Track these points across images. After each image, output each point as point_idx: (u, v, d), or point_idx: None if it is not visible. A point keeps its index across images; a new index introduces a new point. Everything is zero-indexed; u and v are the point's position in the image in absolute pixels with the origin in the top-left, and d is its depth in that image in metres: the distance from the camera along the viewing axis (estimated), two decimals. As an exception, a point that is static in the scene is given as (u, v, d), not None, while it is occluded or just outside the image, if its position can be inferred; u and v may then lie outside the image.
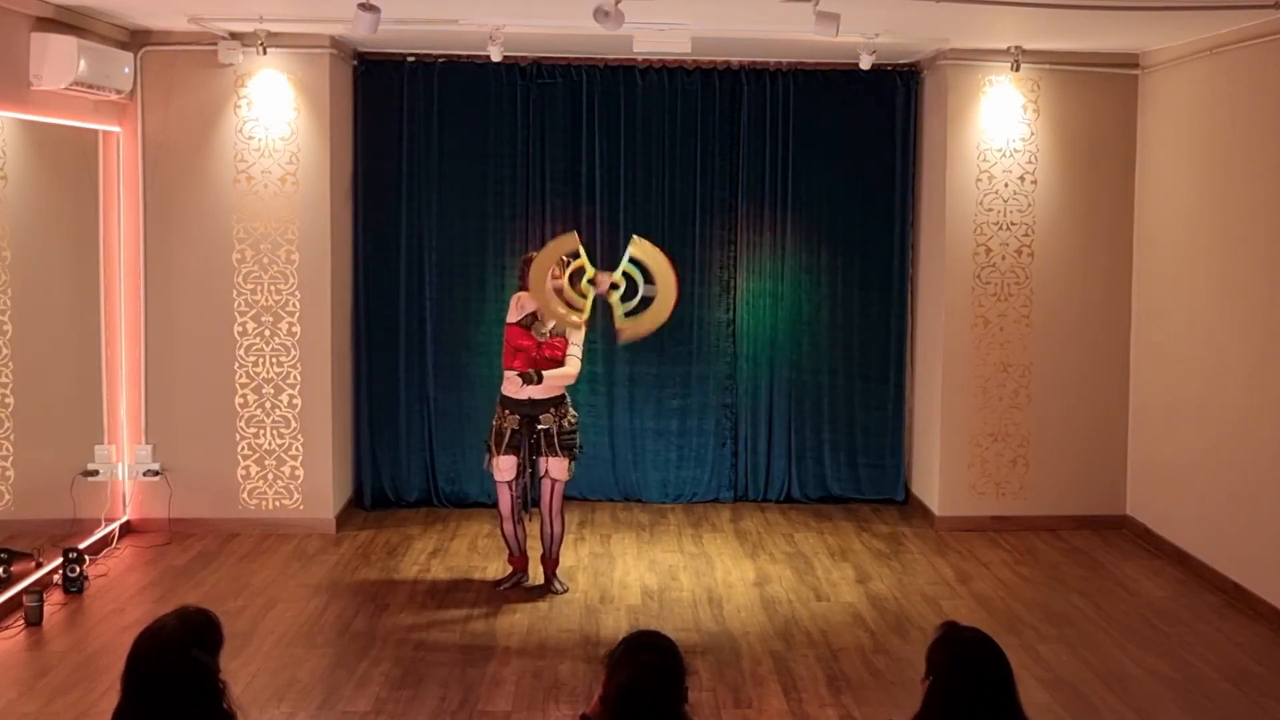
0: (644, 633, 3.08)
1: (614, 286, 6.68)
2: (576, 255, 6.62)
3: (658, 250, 6.71)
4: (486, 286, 8.59)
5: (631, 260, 6.68)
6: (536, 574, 6.98)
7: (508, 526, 6.84)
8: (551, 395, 6.68)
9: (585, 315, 6.63)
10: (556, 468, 6.72)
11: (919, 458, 8.71)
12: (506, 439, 6.67)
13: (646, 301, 6.74)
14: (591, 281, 6.64)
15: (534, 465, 6.72)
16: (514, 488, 6.75)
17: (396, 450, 8.61)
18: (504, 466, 6.72)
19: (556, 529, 6.85)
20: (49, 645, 5.98)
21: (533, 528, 6.99)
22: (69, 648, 5.94)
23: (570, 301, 6.60)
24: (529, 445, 6.67)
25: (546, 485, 6.76)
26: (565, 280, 6.59)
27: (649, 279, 6.71)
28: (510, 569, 6.97)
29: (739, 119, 8.65)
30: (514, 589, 6.87)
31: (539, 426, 6.66)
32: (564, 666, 5.81)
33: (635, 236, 6.78)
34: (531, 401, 6.66)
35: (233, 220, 7.80)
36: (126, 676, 2.90)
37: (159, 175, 7.74)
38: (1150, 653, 6.04)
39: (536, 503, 6.82)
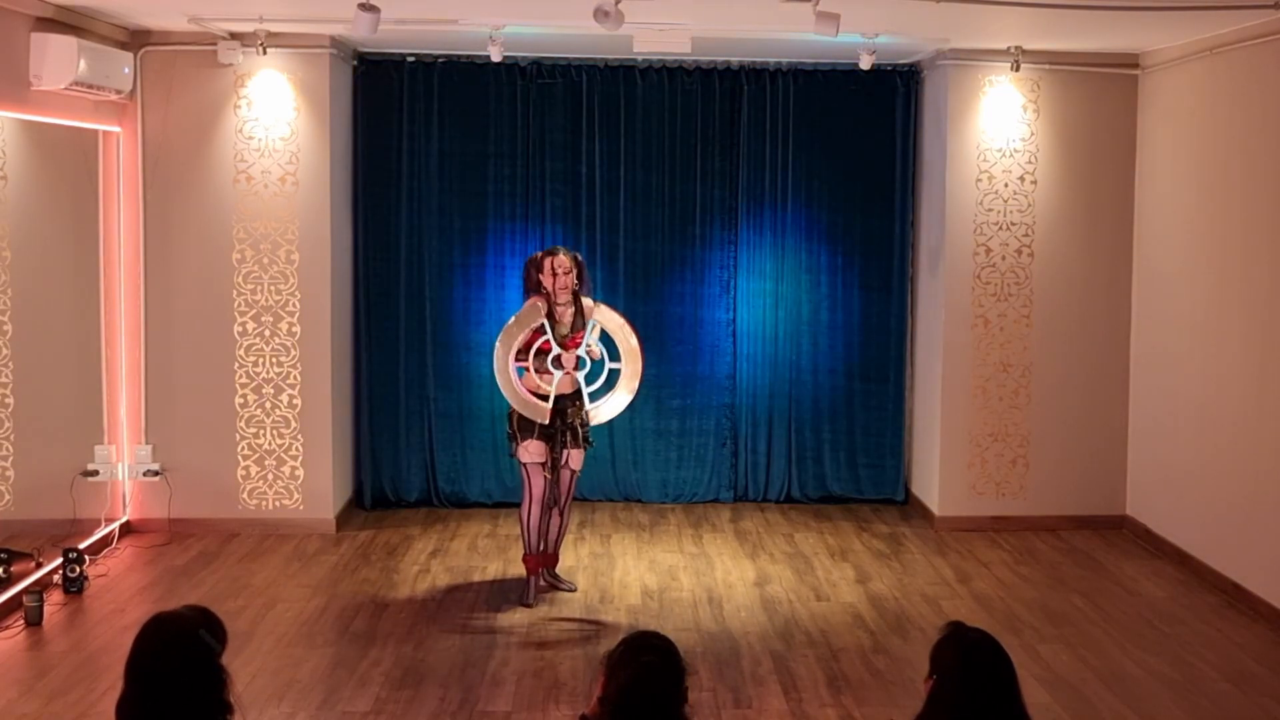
0: (643, 633, 3.08)
1: (580, 362, 6.62)
2: (543, 330, 6.57)
3: (623, 318, 6.73)
4: (486, 286, 8.60)
5: (598, 332, 6.68)
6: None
7: (535, 515, 6.70)
8: (573, 390, 6.70)
9: (549, 405, 6.57)
10: (577, 458, 6.75)
11: (919, 458, 8.71)
12: (537, 427, 6.66)
13: (614, 375, 6.72)
14: (556, 361, 6.58)
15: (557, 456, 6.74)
16: (546, 470, 6.69)
17: (396, 450, 8.61)
18: (535, 450, 6.65)
19: (567, 519, 6.89)
20: (49, 645, 5.98)
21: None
22: (69, 648, 5.94)
23: (536, 388, 6.60)
24: (559, 438, 6.67)
25: (565, 475, 6.76)
26: (530, 361, 6.57)
27: (614, 352, 6.70)
28: (526, 572, 6.79)
29: (739, 119, 8.65)
30: (537, 597, 6.70)
31: (565, 419, 6.68)
32: (564, 666, 5.81)
33: (600, 304, 6.73)
34: (559, 394, 6.67)
35: (233, 220, 7.80)
36: (132, 662, 2.90)
37: (159, 175, 7.74)
38: (1150, 653, 6.04)
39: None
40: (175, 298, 7.81)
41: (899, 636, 6.26)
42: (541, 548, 6.82)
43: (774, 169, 8.69)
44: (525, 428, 6.65)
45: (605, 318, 6.74)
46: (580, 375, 6.66)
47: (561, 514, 6.84)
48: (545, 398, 6.60)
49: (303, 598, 6.73)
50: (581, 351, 6.63)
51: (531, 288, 6.70)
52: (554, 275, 6.61)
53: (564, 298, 6.64)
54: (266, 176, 7.80)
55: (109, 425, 7.67)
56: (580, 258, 6.80)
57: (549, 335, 6.58)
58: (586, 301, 6.75)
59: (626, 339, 6.75)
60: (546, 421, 6.59)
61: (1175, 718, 5.33)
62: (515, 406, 6.62)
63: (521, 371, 6.63)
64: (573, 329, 6.67)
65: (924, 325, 8.61)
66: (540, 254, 6.75)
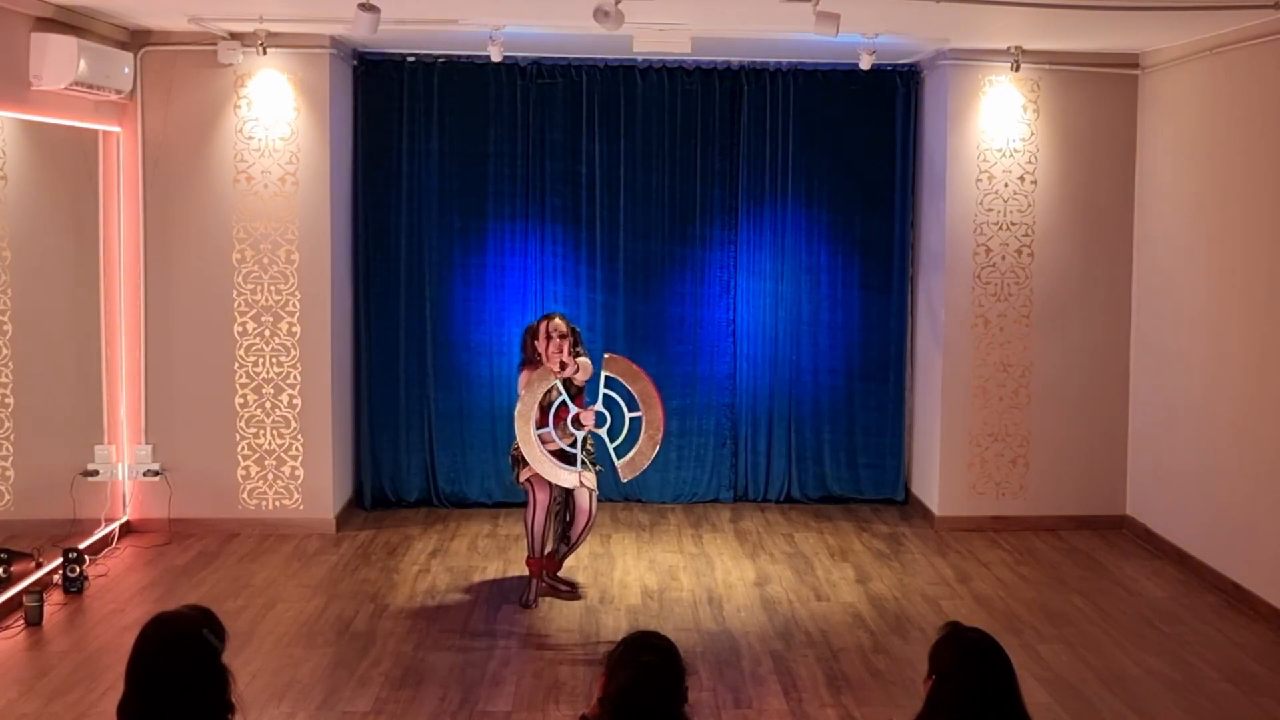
0: (643, 633, 3.08)
1: (600, 418, 6.53)
2: (556, 392, 6.50)
3: (631, 363, 6.58)
4: (486, 286, 8.60)
5: (608, 382, 6.54)
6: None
7: (540, 521, 6.68)
8: (570, 441, 6.64)
9: (579, 469, 6.50)
10: (590, 479, 6.65)
11: (919, 458, 8.71)
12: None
13: (636, 423, 6.56)
14: (576, 422, 6.52)
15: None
16: (554, 485, 6.65)
17: (396, 450, 8.61)
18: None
19: (585, 537, 6.85)
20: (49, 645, 5.98)
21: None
22: (69, 648, 5.94)
23: (558, 450, 6.52)
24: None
25: (584, 495, 6.67)
26: (553, 430, 6.49)
27: (631, 402, 6.54)
28: (528, 573, 6.79)
29: (739, 119, 8.65)
30: (538, 598, 6.69)
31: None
32: (564, 666, 5.81)
33: (607, 355, 6.64)
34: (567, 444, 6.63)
35: (233, 220, 7.80)
36: (133, 662, 2.89)
37: (159, 175, 7.74)
38: (1150, 653, 6.04)
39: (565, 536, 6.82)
40: (175, 298, 7.81)
41: (899, 636, 6.26)
42: (546, 551, 6.82)
43: (774, 169, 8.69)
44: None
45: (618, 369, 6.53)
46: (602, 431, 6.59)
47: (581, 535, 6.78)
48: (568, 458, 6.54)
49: (303, 598, 6.73)
50: (600, 406, 6.55)
51: (528, 357, 6.66)
52: (548, 339, 6.54)
53: (555, 364, 6.49)
54: (266, 176, 7.80)
55: (109, 425, 7.67)
56: (576, 329, 6.72)
57: (564, 398, 6.52)
58: (585, 361, 6.60)
59: (642, 386, 6.52)
60: (575, 485, 6.56)
61: (1175, 718, 5.33)
62: (549, 479, 6.53)
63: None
64: (569, 392, 6.57)
65: (924, 325, 8.61)
66: (535, 325, 6.68)
